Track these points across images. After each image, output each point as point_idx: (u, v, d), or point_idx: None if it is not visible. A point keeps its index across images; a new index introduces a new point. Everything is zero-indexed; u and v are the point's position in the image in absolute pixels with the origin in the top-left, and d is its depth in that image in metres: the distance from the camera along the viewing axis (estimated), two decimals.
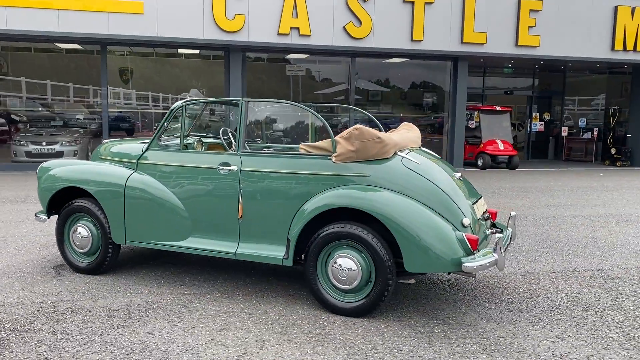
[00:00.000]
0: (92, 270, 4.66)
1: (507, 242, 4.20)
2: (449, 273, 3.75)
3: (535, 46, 14.38)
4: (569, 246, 6.05)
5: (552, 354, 3.31)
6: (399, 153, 4.02)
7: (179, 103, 4.50)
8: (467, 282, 4.72)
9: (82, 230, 4.64)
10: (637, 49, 15.08)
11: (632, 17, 14.86)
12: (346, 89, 15.49)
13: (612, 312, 4.04)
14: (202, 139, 5.19)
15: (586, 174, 14.23)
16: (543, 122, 18.53)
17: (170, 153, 4.48)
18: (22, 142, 12.99)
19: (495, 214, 4.68)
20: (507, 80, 18.79)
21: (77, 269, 4.72)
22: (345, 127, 16.34)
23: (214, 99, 5.01)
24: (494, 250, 3.67)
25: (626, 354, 3.34)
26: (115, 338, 3.44)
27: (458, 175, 4.20)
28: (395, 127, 4.99)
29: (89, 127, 14.49)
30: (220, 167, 4.22)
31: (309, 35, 12.99)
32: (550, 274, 4.99)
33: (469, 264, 3.54)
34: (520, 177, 13.21)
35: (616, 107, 17.96)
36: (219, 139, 5.14)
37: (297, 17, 12.84)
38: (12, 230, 6.37)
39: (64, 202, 4.86)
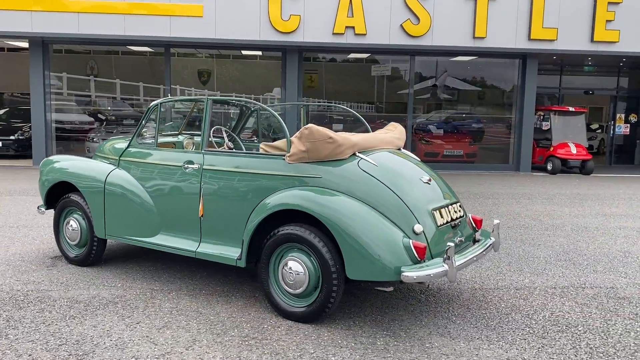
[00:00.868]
0: (81, 261, 4.86)
1: (480, 252, 3.89)
2: (401, 282, 3.53)
3: (614, 42, 13.27)
4: (591, 260, 5.51)
5: None
6: (358, 154, 3.85)
7: (154, 102, 4.59)
8: (446, 293, 4.43)
9: (73, 223, 4.86)
10: None
11: None
12: (432, 86, 15.18)
13: (591, 336, 3.63)
14: (194, 137, 5.26)
15: None
16: (629, 125, 17.06)
17: (145, 151, 4.58)
18: (94, 139, 13.88)
19: (480, 221, 4.35)
20: (588, 79, 17.49)
21: (69, 260, 4.95)
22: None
23: (184, 97, 5.05)
24: (444, 260, 3.42)
25: None
26: (59, 329, 3.56)
27: (425, 178, 3.95)
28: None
29: None
30: (185, 165, 4.25)
31: (364, 35, 12.82)
32: (549, 289, 4.57)
33: (410, 273, 3.32)
34: (588, 183, 12.25)
35: None
36: (218, 137, 5.20)
37: (352, 16, 12.72)
38: (42, 221, 6.80)
39: (63, 196, 5.12)
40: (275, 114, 4.12)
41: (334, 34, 12.82)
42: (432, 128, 15.69)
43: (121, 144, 4.91)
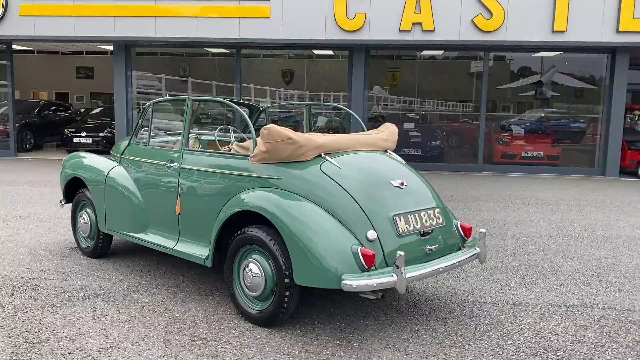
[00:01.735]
0: (91, 253, 5.13)
1: (451, 263, 3.62)
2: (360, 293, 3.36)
3: None
4: (623, 277, 4.93)
5: None
6: (324, 156, 3.72)
7: (149, 102, 4.73)
8: (433, 304, 4.16)
9: (85, 217, 5.14)
10: None
11: None
12: (537, 83, 14.43)
13: None
14: (200, 137, 5.35)
15: None
16: None
17: (139, 149, 4.74)
18: None
19: (469, 229, 4.05)
20: None
21: (82, 251, 5.25)
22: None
23: (168, 98, 5.13)
24: (394, 270, 3.21)
25: None
26: (32, 316, 3.78)
27: (397, 182, 3.72)
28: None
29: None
30: (168, 164, 4.34)
31: (432, 31, 12.38)
32: (552, 307, 4.15)
33: (350, 282, 3.16)
34: None
35: None
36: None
37: (419, 12, 12.33)
38: None
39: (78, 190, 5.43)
40: (242, 111, 4.08)
41: (400, 30, 12.50)
42: (515, 128, 14.86)
43: (124, 141, 5.11)
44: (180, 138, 4.46)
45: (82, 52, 22.53)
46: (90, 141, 15.03)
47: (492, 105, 15.14)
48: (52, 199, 8.08)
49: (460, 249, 3.92)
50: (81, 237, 5.25)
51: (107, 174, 4.82)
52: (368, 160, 3.88)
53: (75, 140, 14.99)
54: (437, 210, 3.83)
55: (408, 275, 3.27)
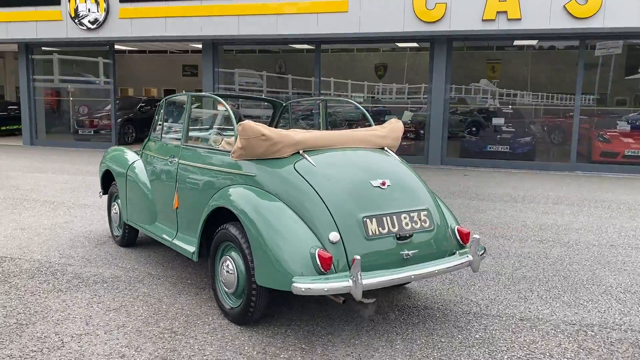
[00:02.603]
0: (120, 242, 5.40)
1: (428, 271, 3.35)
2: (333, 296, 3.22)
3: None
4: None
5: None
6: (302, 153, 3.60)
7: (163, 99, 4.86)
8: (427, 313, 3.88)
9: (116, 207, 5.42)
10: None
11: None
12: None
13: None
14: (222, 132, 5.41)
15: None
16: None
17: (153, 144, 4.89)
18: None
19: (467, 234, 3.73)
20: None
21: (115, 240, 5.54)
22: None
23: (179, 94, 5.15)
24: (351, 276, 3.03)
25: None
26: (36, 299, 4.04)
27: (377, 183, 3.50)
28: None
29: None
30: (170, 159, 4.43)
31: (518, 19, 11.59)
32: (564, 325, 3.70)
33: (300, 285, 3.03)
34: None
35: None
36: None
37: (504, 1, 11.60)
38: None
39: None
40: (227, 105, 4.05)
41: (483, 20, 11.84)
42: (622, 124, 13.51)
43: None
44: (203, 133, 4.54)
45: (187, 51, 23.81)
46: None
47: (604, 98, 13.88)
48: None
49: (453, 254, 3.62)
50: (114, 226, 5.54)
51: (128, 167, 5.04)
52: (351, 158, 3.69)
53: None
54: (423, 212, 3.56)
55: (366, 281, 3.07)
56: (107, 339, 3.41)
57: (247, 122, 3.59)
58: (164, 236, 4.43)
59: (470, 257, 3.55)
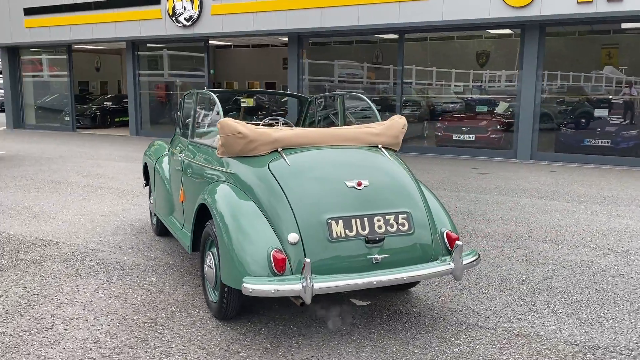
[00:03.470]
0: (155, 231, 5.67)
1: (395, 277, 3.17)
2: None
3: None
4: None
5: None
6: (280, 151, 3.55)
7: (186, 93, 5.01)
8: (424, 320, 3.67)
9: (152, 197, 5.71)
10: None
11: None
12: None
13: None
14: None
15: None
16: None
17: (175, 140, 5.05)
18: None
19: (455, 240, 3.47)
20: None
21: (153, 229, 5.83)
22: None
23: (198, 91, 5.20)
24: (302, 279, 2.95)
25: None
26: (54, 282, 4.36)
27: (351, 183, 3.35)
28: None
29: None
30: (180, 155, 4.56)
31: (620, 0, 10.51)
32: (562, 344, 3.33)
33: (249, 285, 3.00)
34: None
35: None
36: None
37: None
38: None
39: None
40: (216, 99, 4.07)
41: (578, 3, 10.87)
42: None
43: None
44: (206, 130, 4.63)
45: (286, 44, 24.33)
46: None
47: None
48: None
49: (436, 260, 3.39)
50: (152, 215, 5.84)
51: (156, 161, 5.27)
52: (330, 158, 3.57)
53: None
54: (402, 215, 3.36)
55: (318, 285, 2.96)
56: (92, 324, 3.60)
57: (225, 120, 3.60)
58: (174, 229, 4.59)
59: (452, 265, 3.30)
